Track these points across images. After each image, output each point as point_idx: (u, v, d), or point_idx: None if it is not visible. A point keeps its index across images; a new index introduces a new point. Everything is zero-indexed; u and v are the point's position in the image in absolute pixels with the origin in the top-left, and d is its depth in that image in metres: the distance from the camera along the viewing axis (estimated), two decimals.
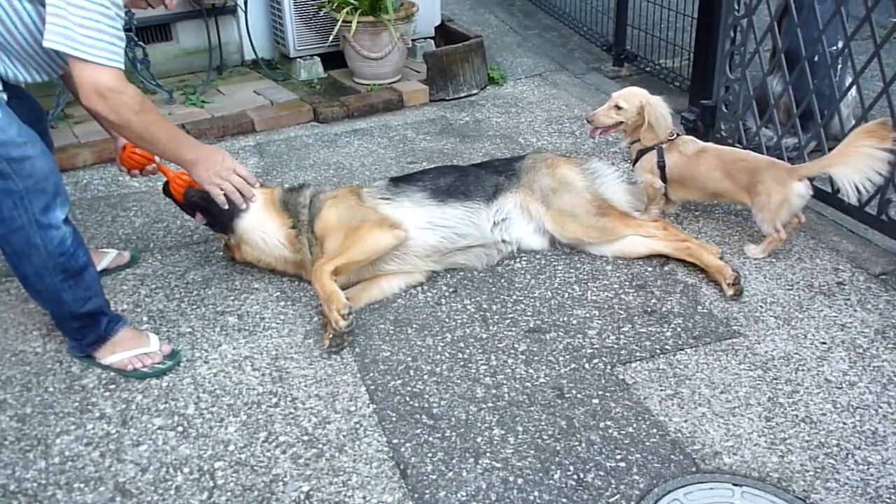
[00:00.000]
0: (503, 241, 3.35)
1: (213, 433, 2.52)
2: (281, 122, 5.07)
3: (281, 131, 4.99)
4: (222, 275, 3.38)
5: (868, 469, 2.31)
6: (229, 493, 2.29)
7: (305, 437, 2.49)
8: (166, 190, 3.26)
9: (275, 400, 2.66)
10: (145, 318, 3.09)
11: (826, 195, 3.55)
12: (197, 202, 3.17)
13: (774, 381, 2.66)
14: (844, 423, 2.48)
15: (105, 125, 2.65)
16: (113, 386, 2.73)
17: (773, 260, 3.34)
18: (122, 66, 2.38)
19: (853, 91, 3.79)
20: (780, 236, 3.27)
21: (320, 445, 2.46)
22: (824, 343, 2.83)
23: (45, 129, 2.91)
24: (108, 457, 2.44)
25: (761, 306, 3.05)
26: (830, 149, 3.60)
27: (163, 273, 3.41)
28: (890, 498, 2.21)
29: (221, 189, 2.78)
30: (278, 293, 3.25)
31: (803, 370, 2.71)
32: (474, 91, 5.52)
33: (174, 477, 2.36)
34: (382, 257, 3.13)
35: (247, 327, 3.03)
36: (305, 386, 2.72)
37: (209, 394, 2.69)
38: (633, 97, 3.49)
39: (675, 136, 3.50)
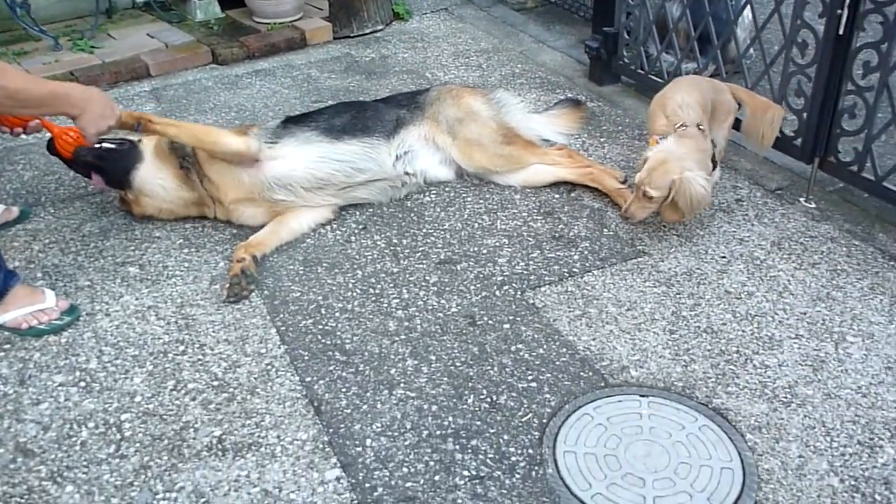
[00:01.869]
0: (407, 173, 3.31)
1: (118, 386, 2.45)
2: (178, 65, 4.86)
3: (178, 75, 4.79)
4: (121, 225, 3.25)
5: (766, 372, 2.41)
6: (138, 444, 2.24)
7: (215, 383, 2.45)
8: (51, 148, 3.08)
9: (182, 348, 2.59)
10: (40, 275, 2.95)
11: None
12: (90, 161, 3.04)
13: (678, 296, 2.74)
14: (743, 331, 2.58)
15: None
16: (8, 346, 2.61)
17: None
18: None
19: (748, 14, 3.86)
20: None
21: (231, 389, 2.42)
22: (724, 257, 2.92)
23: None
24: (7, 417, 2.34)
25: (664, 226, 3.11)
26: (727, 72, 3.68)
27: (57, 227, 3.25)
28: (786, 397, 2.31)
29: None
30: (181, 240, 3.15)
31: (705, 284, 2.79)
32: (379, 27, 5.40)
33: (79, 433, 2.28)
34: (230, 163, 3.08)
35: (149, 277, 2.94)
36: (213, 332, 2.66)
37: (112, 346, 2.60)
38: (663, 177, 2.82)
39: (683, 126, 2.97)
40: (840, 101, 3.08)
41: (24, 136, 2.99)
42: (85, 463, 2.18)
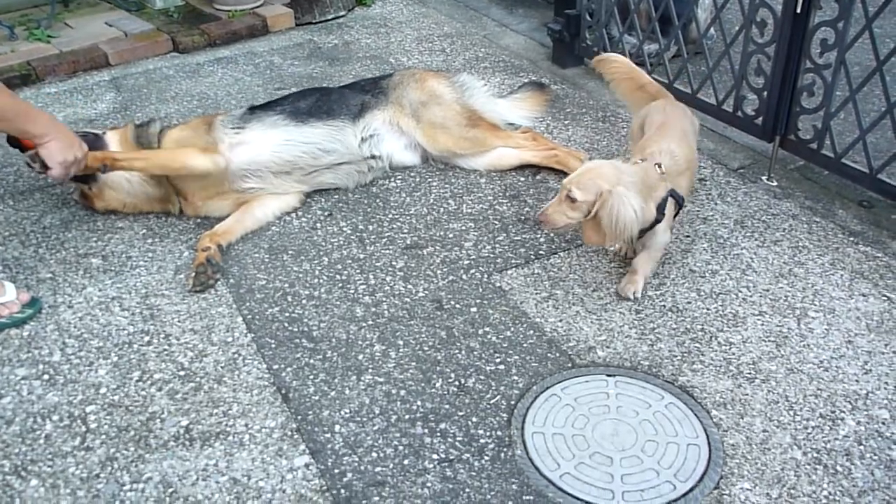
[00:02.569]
0: (373, 156, 3.29)
1: (82, 378, 2.41)
2: (138, 54, 4.78)
3: (138, 64, 4.71)
4: (83, 216, 3.20)
5: (730, 349, 2.45)
6: (104, 436, 2.21)
7: (182, 373, 2.42)
8: (13, 140, 3.01)
9: (147, 338, 2.56)
10: None
11: (686, 96, 3.65)
12: None
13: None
14: (708, 309, 2.61)
15: None
16: None
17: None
18: None
19: None
20: None
21: (198, 379, 2.40)
22: (688, 236, 2.95)
23: None
24: None
25: None
26: (688, 53, 3.70)
27: (16, 219, 3.19)
28: (750, 373, 2.35)
29: (66, 173, 2.70)
30: (145, 230, 3.10)
31: (669, 263, 2.82)
32: (342, 13, 5.36)
33: (43, 426, 2.25)
34: (211, 178, 3.04)
35: (112, 268, 2.89)
36: (179, 321, 2.63)
37: (76, 338, 2.57)
38: (593, 181, 2.42)
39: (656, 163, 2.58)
40: (799, 79, 3.11)
41: None
42: (49, 456, 2.15)
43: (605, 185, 2.39)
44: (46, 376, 2.42)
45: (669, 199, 2.54)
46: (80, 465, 2.12)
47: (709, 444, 2.14)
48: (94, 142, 3.03)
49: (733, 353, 2.43)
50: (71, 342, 2.55)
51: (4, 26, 4.79)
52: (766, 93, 3.22)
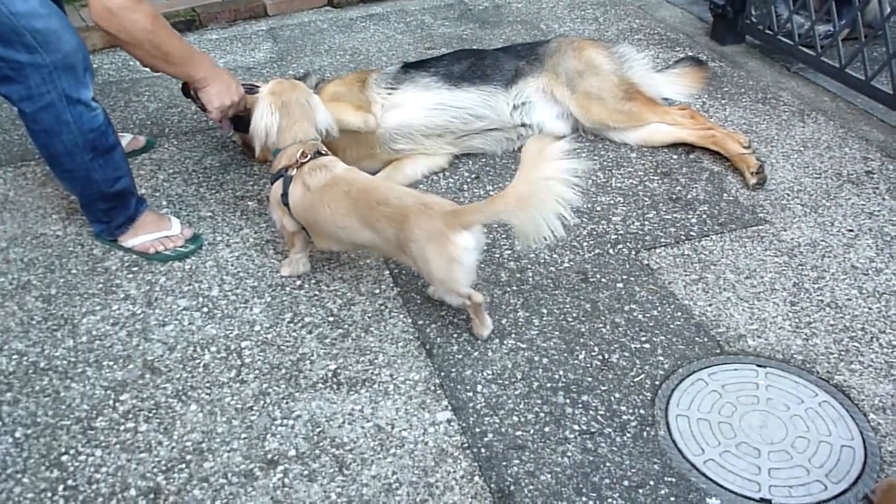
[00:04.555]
0: (523, 125, 3.27)
1: (238, 314, 2.53)
2: (294, 6, 4.91)
3: (294, 16, 4.84)
4: (240, 160, 3.34)
5: (892, 352, 2.31)
6: (257, 371, 2.32)
7: (331, 318, 2.51)
8: (187, 90, 3.15)
9: (299, 282, 2.66)
10: (164, 203, 3.07)
11: (858, 83, 3.44)
12: None
13: (800, 267, 2.64)
14: (870, 309, 2.47)
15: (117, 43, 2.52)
16: (136, 268, 2.74)
17: (801, 149, 3.27)
18: None
19: None
20: (477, 300, 2.27)
21: (346, 326, 2.47)
22: (851, 231, 2.80)
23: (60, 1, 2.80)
24: (136, 336, 2.46)
25: (788, 194, 3.00)
26: (865, 36, 3.47)
27: (180, 158, 3.36)
28: None
29: (224, 116, 2.78)
30: None
31: (829, 257, 2.68)
32: None
33: (202, 356, 2.38)
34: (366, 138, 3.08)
35: (266, 212, 3.00)
36: (329, 269, 2.71)
37: (233, 276, 2.69)
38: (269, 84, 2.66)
39: (309, 156, 2.46)
40: None
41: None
42: (208, 385, 2.28)
43: (265, 89, 2.60)
44: (206, 309, 2.56)
45: (282, 179, 2.50)
46: (236, 396, 2.24)
47: (865, 447, 2.05)
48: (252, 91, 3.13)
49: (895, 358, 2.30)
50: (228, 279, 2.68)
51: None
52: None
